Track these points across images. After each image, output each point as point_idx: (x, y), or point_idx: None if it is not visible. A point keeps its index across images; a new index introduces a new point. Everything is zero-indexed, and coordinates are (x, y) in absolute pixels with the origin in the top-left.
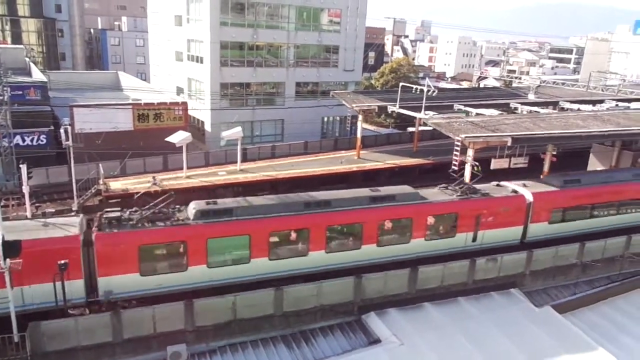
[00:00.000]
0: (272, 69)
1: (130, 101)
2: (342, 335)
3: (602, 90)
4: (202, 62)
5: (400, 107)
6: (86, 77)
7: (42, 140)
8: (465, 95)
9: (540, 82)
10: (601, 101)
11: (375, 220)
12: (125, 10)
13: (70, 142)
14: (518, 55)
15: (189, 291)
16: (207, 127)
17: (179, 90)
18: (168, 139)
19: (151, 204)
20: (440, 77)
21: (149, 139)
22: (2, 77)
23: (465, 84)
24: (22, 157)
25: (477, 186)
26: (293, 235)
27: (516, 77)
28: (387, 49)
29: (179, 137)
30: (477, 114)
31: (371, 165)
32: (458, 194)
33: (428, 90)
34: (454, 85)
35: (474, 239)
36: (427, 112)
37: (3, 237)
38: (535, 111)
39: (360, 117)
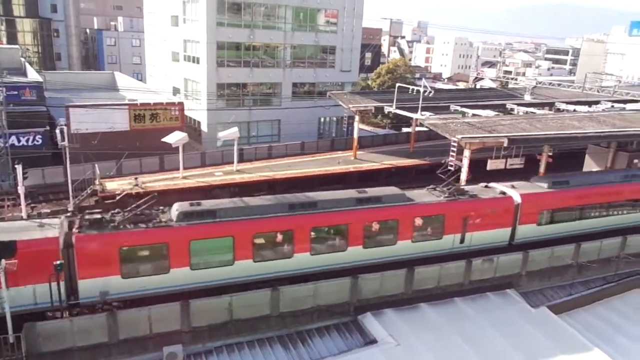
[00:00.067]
0: (269, 69)
1: (126, 101)
2: (338, 336)
3: (598, 92)
4: (198, 62)
5: (396, 108)
6: (82, 77)
7: (37, 141)
8: (462, 96)
9: (537, 83)
10: (597, 102)
11: (361, 222)
12: (121, 10)
13: (66, 143)
14: (514, 56)
15: (172, 294)
16: (204, 128)
17: (176, 91)
18: (164, 139)
19: (133, 206)
20: (437, 77)
21: (145, 140)
22: None
23: (461, 85)
24: (17, 157)
25: (465, 187)
26: (277, 237)
27: (512, 78)
28: (384, 49)
29: (175, 138)
30: (474, 115)
31: (368, 165)
32: (446, 195)
33: (424, 91)
34: (450, 86)
35: (462, 241)
36: (423, 112)
37: None
38: (532, 112)
39: (356, 118)
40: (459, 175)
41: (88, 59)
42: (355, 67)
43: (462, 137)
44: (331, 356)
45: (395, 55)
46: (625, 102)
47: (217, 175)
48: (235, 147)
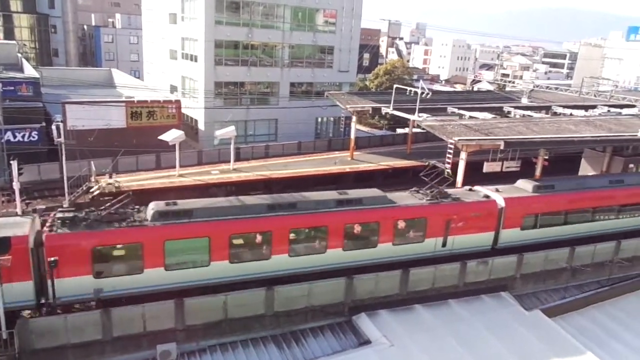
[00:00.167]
0: (267, 68)
1: (123, 98)
2: (332, 336)
3: (595, 96)
4: (196, 60)
5: (394, 109)
6: (79, 74)
7: (33, 137)
8: (459, 98)
9: (534, 87)
10: (593, 107)
11: (341, 224)
12: (119, 7)
13: (62, 139)
14: (512, 59)
15: (146, 294)
16: (201, 126)
17: (173, 89)
18: (161, 137)
19: (108, 204)
20: (435, 79)
21: (141, 137)
22: None
23: (459, 87)
24: (13, 153)
25: (449, 190)
26: (255, 238)
27: (510, 81)
28: (382, 50)
29: (172, 136)
30: (471, 117)
31: (364, 166)
32: (428, 198)
33: (422, 93)
34: (447, 88)
35: (444, 245)
36: (421, 114)
37: None
38: (528, 115)
39: (354, 118)
40: (444, 178)
41: (85, 56)
42: (353, 68)
43: (459, 139)
44: (325, 356)
45: (393, 56)
46: (621, 107)
47: (214, 174)
48: (232, 146)
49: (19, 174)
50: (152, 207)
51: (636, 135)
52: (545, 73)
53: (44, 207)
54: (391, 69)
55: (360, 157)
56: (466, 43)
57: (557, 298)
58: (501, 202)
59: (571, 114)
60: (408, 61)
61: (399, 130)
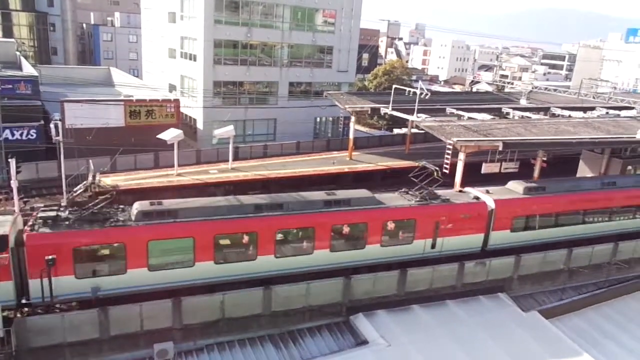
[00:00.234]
0: (266, 68)
1: (122, 97)
2: (329, 336)
3: (593, 98)
4: (195, 59)
5: (393, 110)
6: (78, 72)
7: (32, 135)
8: (458, 99)
9: (532, 88)
10: (592, 108)
11: (328, 225)
12: (118, 5)
13: (60, 137)
14: (511, 60)
15: (128, 295)
16: (199, 125)
17: (172, 88)
18: (159, 136)
19: (91, 204)
20: (434, 80)
21: (140, 136)
22: None
23: (458, 88)
24: (11, 151)
25: (438, 192)
26: (240, 238)
27: (508, 82)
28: (381, 51)
29: (171, 135)
30: (470, 118)
31: (363, 166)
32: (417, 199)
33: (421, 93)
34: (446, 89)
35: (433, 246)
36: (419, 114)
37: None
38: (527, 117)
39: (352, 118)
40: (434, 179)
41: (84, 54)
42: (352, 68)
43: (458, 140)
44: (322, 356)
45: (392, 56)
46: (620, 109)
47: (212, 173)
48: (231, 145)
49: (17, 172)
50: (136, 207)
51: (634, 137)
52: (544, 74)
53: (41, 205)
54: (390, 69)
55: (359, 158)
56: (465, 44)
57: (554, 299)
58: (491, 204)
59: (570, 116)
60: (407, 62)
61: (396, 131)
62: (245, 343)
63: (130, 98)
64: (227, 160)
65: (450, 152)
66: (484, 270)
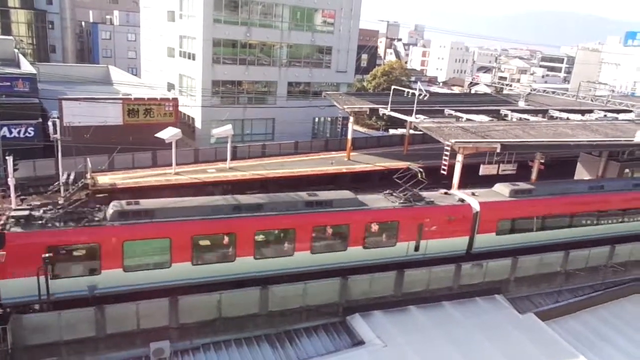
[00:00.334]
0: (265, 67)
1: (120, 96)
2: (326, 336)
3: (592, 100)
4: (194, 58)
5: (391, 110)
6: (76, 70)
7: (29, 133)
8: (457, 100)
9: (531, 90)
10: (590, 111)
11: (309, 226)
12: (117, 4)
13: (58, 135)
14: (509, 62)
15: (104, 296)
16: (198, 124)
17: (170, 86)
18: (158, 134)
19: (65, 203)
20: (432, 81)
21: (138, 134)
22: None
23: (456, 89)
24: (8, 149)
25: (423, 194)
26: (218, 239)
27: (507, 84)
28: (380, 51)
29: (169, 134)
30: (468, 120)
31: (361, 167)
32: (401, 201)
33: (419, 94)
34: (445, 90)
35: (417, 249)
36: (418, 115)
37: None
38: (525, 119)
39: (351, 119)
40: (419, 180)
41: (83, 52)
42: (351, 68)
43: (456, 142)
44: (318, 356)
45: (391, 57)
46: (618, 111)
47: (210, 172)
48: (229, 145)
49: (14, 170)
50: (112, 206)
51: (632, 141)
52: (543, 77)
53: (38, 203)
54: (389, 70)
55: (357, 158)
56: (464, 45)
57: (550, 302)
58: (476, 206)
59: (568, 118)
60: (406, 62)
61: (392, 131)
62: (241, 342)
63: (129, 96)
64: (225, 160)
65: (448, 153)
66: (481, 271)
